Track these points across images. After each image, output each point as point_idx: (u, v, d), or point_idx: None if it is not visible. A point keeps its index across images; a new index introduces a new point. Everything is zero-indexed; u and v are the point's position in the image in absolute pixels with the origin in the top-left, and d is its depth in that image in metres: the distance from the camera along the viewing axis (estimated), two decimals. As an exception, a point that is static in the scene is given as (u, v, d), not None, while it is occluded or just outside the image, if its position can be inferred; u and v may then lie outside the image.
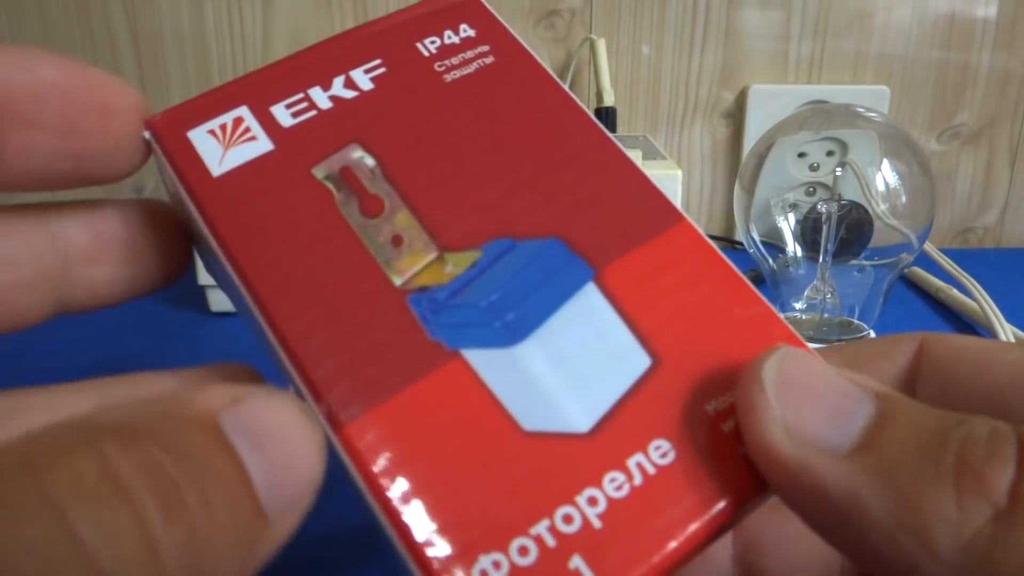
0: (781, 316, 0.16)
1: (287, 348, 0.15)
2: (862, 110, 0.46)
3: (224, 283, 0.17)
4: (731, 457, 0.14)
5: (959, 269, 0.50)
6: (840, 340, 0.40)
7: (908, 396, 0.14)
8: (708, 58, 0.60)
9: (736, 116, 0.62)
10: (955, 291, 0.50)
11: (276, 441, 0.12)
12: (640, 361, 0.15)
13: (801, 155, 0.49)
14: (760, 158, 0.46)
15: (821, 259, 0.45)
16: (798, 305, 0.46)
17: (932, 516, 0.12)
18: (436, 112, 0.18)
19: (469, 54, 0.18)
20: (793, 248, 0.46)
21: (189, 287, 0.49)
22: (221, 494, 0.11)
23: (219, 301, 0.49)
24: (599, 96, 0.58)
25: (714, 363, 0.15)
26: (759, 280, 0.50)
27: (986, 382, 0.16)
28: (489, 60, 0.18)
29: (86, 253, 0.17)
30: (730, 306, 0.16)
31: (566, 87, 0.18)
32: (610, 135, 0.18)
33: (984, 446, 0.12)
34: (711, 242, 0.17)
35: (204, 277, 0.47)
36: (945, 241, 0.65)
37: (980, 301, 0.46)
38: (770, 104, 0.60)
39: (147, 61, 0.58)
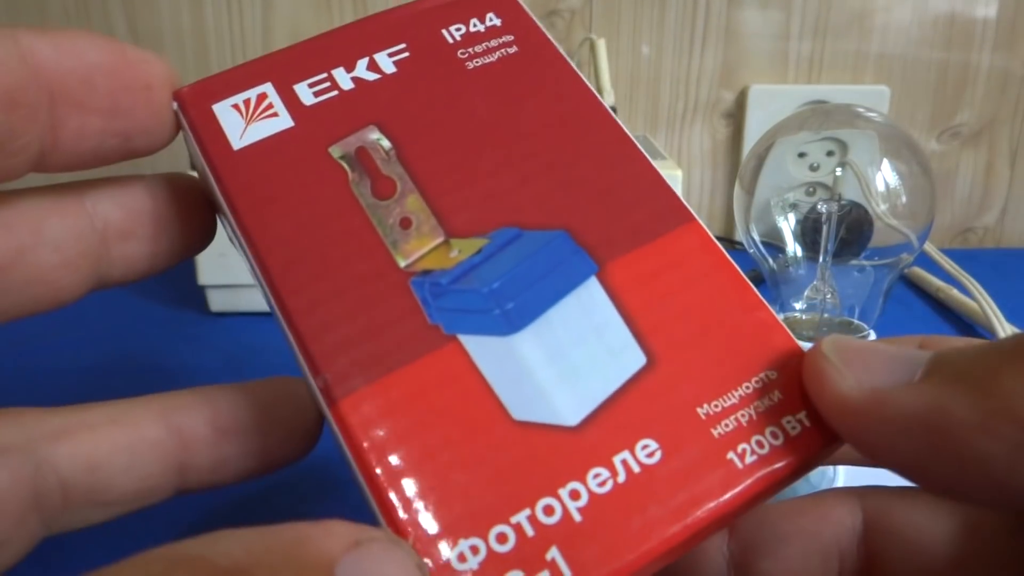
0: (783, 323, 0.16)
1: (289, 320, 0.15)
2: (862, 110, 0.46)
3: (241, 252, 0.17)
4: (718, 462, 0.14)
5: (959, 269, 0.50)
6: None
7: None
8: (708, 58, 0.60)
9: (736, 116, 0.62)
10: (955, 291, 0.50)
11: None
12: (635, 359, 0.15)
13: (801, 155, 0.49)
14: (760, 158, 0.46)
15: (821, 259, 0.45)
16: (798, 305, 0.46)
17: (1018, 396, 0.12)
18: (455, 98, 0.18)
19: (493, 43, 0.19)
20: (793, 248, 0.46)
21: (189, 287, 0.49)
22: None
23: (219, 301, 0.49)
24: (599, 96, 0.58)
25: (710, 366, 0.15)
26: (759, 280, 0.50)
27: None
28: (512, 50, 0.19)
29: (121, 230, 0.17)
30: (732, 310, 0.16)
31: (587, 80, 0.18)
32: (628, 131, 0.18)
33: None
34: (719, 244, 0.17)
35: (204, 277, 0.47)
36: (945, 241, 0.65)
37: (980, 301, 0.46)
38: (770, 104, 0.60)
39: (147, 61, 0.58)
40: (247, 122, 0.17)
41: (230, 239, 0.18)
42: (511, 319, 0.15)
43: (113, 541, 0.18)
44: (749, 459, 0.15)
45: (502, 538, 0.14)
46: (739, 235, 0.48)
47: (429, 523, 0.14)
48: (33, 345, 0.46)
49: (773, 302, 0.42)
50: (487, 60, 0.18)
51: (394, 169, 0.17)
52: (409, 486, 0.14)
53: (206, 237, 0.19)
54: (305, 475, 0.32)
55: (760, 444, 0.15)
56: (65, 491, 0.16)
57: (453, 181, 0.17)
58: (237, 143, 0.17)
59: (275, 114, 0.17)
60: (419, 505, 0.14)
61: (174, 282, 0.54)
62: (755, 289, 0.16)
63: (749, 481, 0.14)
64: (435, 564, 0.13)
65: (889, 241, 0.44)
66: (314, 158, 0.17)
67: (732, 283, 0.16)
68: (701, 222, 0.17)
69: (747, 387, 0.15)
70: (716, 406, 0.15)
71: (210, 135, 0.17)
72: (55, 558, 0.17)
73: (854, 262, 0.45)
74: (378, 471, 0.14)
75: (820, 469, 0.23)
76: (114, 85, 0.16)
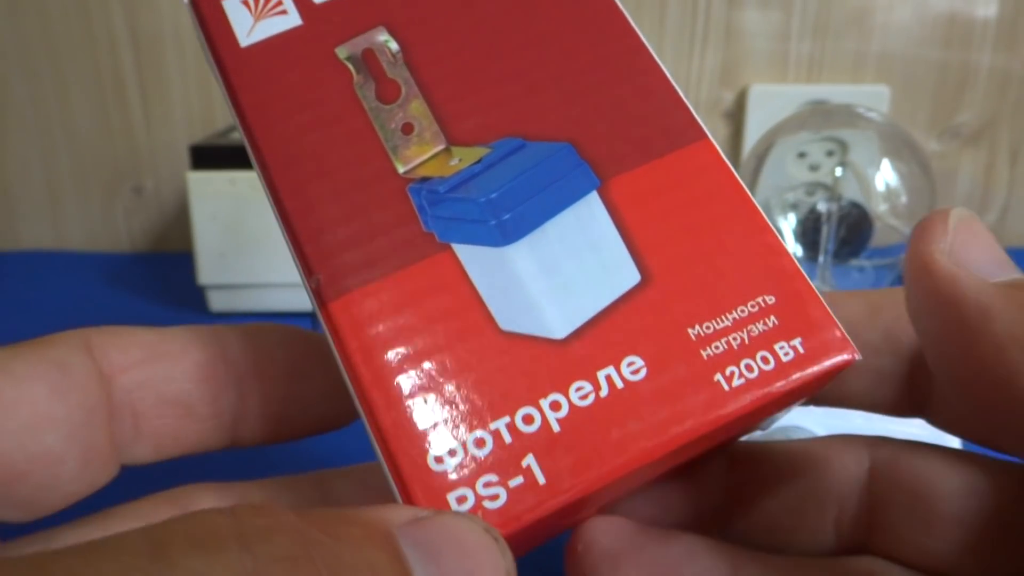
0: (788, 248, 0.16)
1: (286, 220, 0.15)
2: (862, 110, 0.46)
3: (248, 149, 0.17)
4: (704, 383, 0.14)
5: (959, 269, 0.50)
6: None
7: (912, 353, 0.16)
8: (708, 58, 0.60)
9: (736, 116, 0.61)
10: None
11: (454, 555, 0.11)
12: (629, 276, 0.15)
13: (801, 155, 0.49)
14: (760, 158, 0.46)
15: (821, 259, 0.45)
16: (798, 305, 0.45)
17: None
18: (467, 1, 0.17)
19: None
20: (793, 248, 0.46)
21: (189, 287, 0.49)
22: None
23: (219, 301, 0.49)
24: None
25: (707, 288, 0.15)
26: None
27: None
28: None
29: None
30: (736, 232, 0.16)
31: None
32: (644, 40, 0.18)
33: None
34: (729, 164, 0.16)
35: (204, 277, 0.47)
36: (945, 241, 0.65)
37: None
38: (770, 104, 0.60)
39: (147, 61, 0.58)
40: (256, 18, 0.17)
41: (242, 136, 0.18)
42: (506, 230, 0.15)
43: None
44: (736, 382, 0.14)
45: (480, 442, 0.14)
46: (739, 235, 0.48)
47: (410, 424, 0.14)
48: (33, 345, 0.46)
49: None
50: None
51: (400, 73, 0.17)
52: (393, 387, 0.14)
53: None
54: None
55: (749, 368, 0.14)
56: (136, 420, 0.16)
57: (459, 88, 0.17)
58: (245, 40, 0.17)
59: (284, 11, 0.17)
60: (401, 406, 0.14)
61: (174, 282, 0.54)
62: (762, 212, 0.16)
63: (733, 405, 0.14)
64: (412, 464, 0.14)
65: (889, 241, 0.44)
66: (320, 58, 0.17)
67: (739, 204, 0.16)
68: (712, 140, 0.16)
69: (742, 310, 0.15)
70: (708, 327, 0.15)
71: (219, 31, 0.17)
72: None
73: (854, 262, 0.45)
74: (363, 372, 0.14)
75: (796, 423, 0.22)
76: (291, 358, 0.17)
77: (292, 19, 0.17)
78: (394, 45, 0.17)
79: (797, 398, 0.15)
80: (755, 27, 0.59)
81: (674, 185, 0.16)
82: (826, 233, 0.44)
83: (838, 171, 0.45)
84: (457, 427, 0.14)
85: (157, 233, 0.62)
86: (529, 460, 0.14)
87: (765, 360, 0.15)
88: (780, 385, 0.14)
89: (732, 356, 0.15)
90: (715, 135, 0.63)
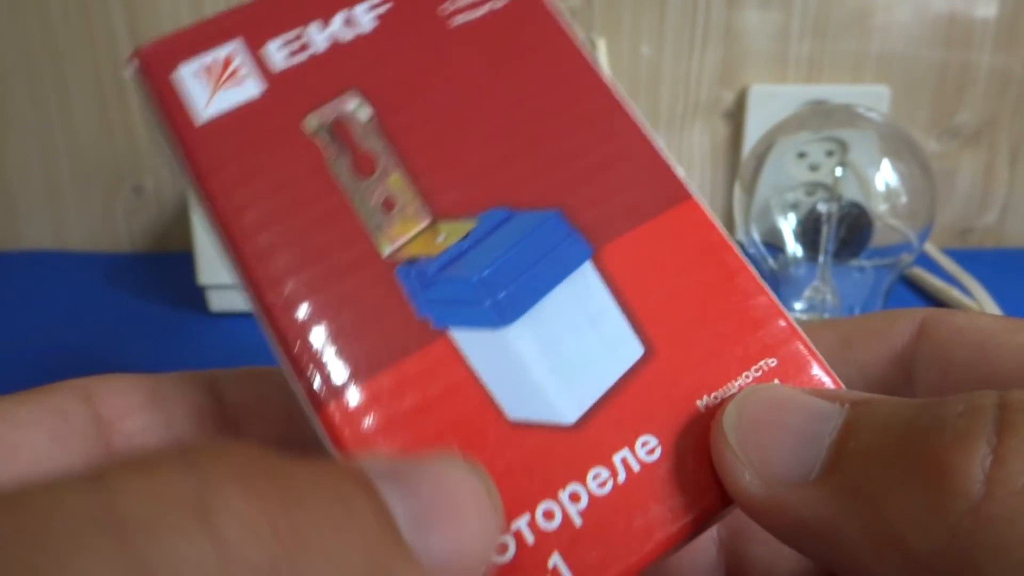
0: (782, 306, 0.16)
1: (270, 318, 0.14)
2: (862, 110, 0.46)
3: (213, 235, 0.16)
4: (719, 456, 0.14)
5: (959, 269, 0.50)
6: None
7: (889, 393, 0.13)
8: (708, 58, 0.60)
9: (736, 116, 0.61)
10: (955, 291, 0.50)
11: (432, 487, 0.11)
12: (633, 350, 0.15)
13: (801, 155, 0.49)
14: (760, 158, 0.46)
15: (821, 259, 0.45)
16: (798, 305, 0.46)
17: (905, 525, 0.11)
18: (438, 61, 0.16)
19: None
20: (793, 248, 0.46)
21: (189, 287, 0.49)
22: (344, 524, 0.10)
23: (219, 301, 0.49)
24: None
25: (710, 355, 0.15)
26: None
27: (988, 369, 0.15)
28: (499, 4, 0.17)
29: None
30: (731, 295, 0.15)
31: (579, 40, 0.17)
32: (623, 99, 0.17)
33: (951, 430, 0.11)
34: (718, 224, 0.16)
35: (204, 277, 0.47)
36: (945, 241, 0.65)
37: (980, 301, 0.46)
38: (770, 104, 0.60)
39: (147, 61, 0.58)
40: (213, 89, 0.16)
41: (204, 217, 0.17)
42: (503, 310, 0.15)
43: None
44: None
45: (502, 548, 0.13)
46: (739, 235, 0.48)
47: None
48: (33, 345, 0.46)
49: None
50: (472, 16, 0.17)
51: (374, 142, 0.16)
52: None
53: None
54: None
55: None
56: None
57: (438, 156, 0.16)
58: (203, 113, 0.15)
59: (244, 80, 0.16)
60: None
61: (174, 282, 0.54)
62: (755, 272, 0.16)
63: None
64: None
65: (889, 241, 0.44)
66: (288, 131, 0.15)
67: (732, 266, 0.16)
68: (699, 200, 0.16)
69: (747, 376, 0.15)
70: (716, 397, 0.14)
71: (174, 105, 0.16)
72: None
73: (854, 262, 0.45)
74: None
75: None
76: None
77: (253, 88, 0.16)
78: (365, 112, 0.16)
79: None
80: (755, 27, 0.59)
81: (666, 249, 0.15)
82: (826, 233, 0.44)
83: (838, 171, 0.45)
84: None
85: (157, 233, 0.62)
86: (555, 560, 0.13)
87: None
88: None
89: None
90: (715, 135, 0.63)
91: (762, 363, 0.15)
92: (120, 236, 0.62)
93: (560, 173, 0.16)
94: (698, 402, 0.14)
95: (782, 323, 0.15)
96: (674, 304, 0.15)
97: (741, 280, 0.15)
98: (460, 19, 0.17)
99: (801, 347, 0.15)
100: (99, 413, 0.16)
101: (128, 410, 0.16)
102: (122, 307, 0.51)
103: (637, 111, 0.17)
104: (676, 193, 0.16)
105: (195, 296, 0.50)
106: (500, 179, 0.16)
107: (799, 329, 0.15)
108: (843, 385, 0.15)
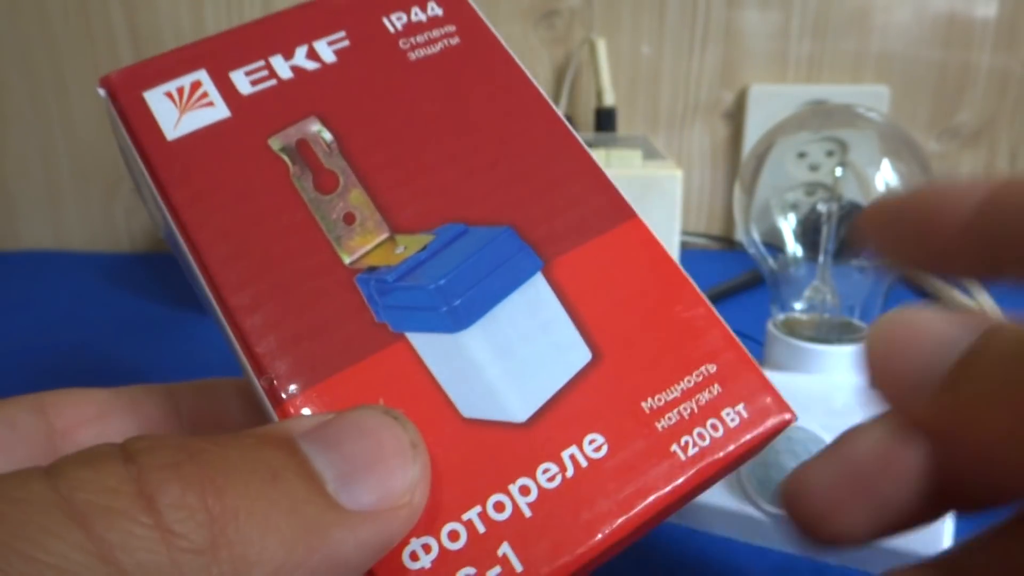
0: (721, 317, 0.17)
1: (231, 319, 0.15)
2: (862, 110, 0.46)
3: (175, 248, 0.17)
4: (663, 454, 0.15)
5: (959, 269, 0.50)
6: (840, 340, 0.40)
7: None
8: (708, 58, 0.60)
9: (736, 116, 0.61)
10: (955, 291, 0.50)
11: (353, 438, 0.12)
12: (581, 355, 0.16)
13: (801, 155, 0.49)
14: (760, 158, 0.46)
15: (821, 259, 0.45)
16: (798, 305, 0.46)
17: None
18: (398, 90, 0.18)
19: (435, 33, 0.18)
20: (793, 248, 0.46)
21: (189, 287, 0.49)
22: (271, 490, 0.11)
23: (219, 301, 0.49)
24: (599, 96, 0.58)
25: (654, 361, 0.16)
26: (758, 280, 0.50)
27: None
28: (455, 41, 0.18)
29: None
30: (673, 305, 0.16)
31: (530, 74, 0.19)
32: (569, 126, 0.18)
33: None
34: (660, 241, 0.17)
35: (204, 277, 0.47)
36: (945, 241, 0.65)
37: (980, 301, 0.46)
38: (770, 104, 0.60)
39: (147, 61, 0.58)
40: (181, 111, 0.17)
41: (164, 238, 0.17)
42: (458, 316, 0.16)
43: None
44: (692, 451, 0.15)
45: (454, 535, 0.14)
46: (739, 235, 0.48)
47: None
48: (33, 345, 0.46)
49: (773, 302, 0.42)
50: (430, 51, 0.18)
51: (336, 162, 0.17)
52: None
53: None
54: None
55: (701, 436, 0.15)
56: None
57: (397, 175, 0.17)
58: (171, 133, 0.16)
59: (211, 103, 0.17)
60: None
61: (174, 282, 0.54)
62: (694, 284, 0.17)
63: (691, 472, 0.15)
64: (386, 562, 0.13)
65: (889, 241, 0.44)
66: (253, 150, 0.16)
67: (674, 279, 0.17)
68: (641, 218, 0.17)
69: (689, 381, 0.16)
70: (659, 399, 0.15)
71: (143, 125, 0.16)
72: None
73: (854, 262, 0.45)
74: None
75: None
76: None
77: (220, 111, 0.17)
78: (328, 135, 0.17)
79: (743, 461, 0.16)
80: (755, 27, 0.59)
81: (612, 263, 0.17)
82: (826, 233, 0.44)
83: (838, 171, 0.45)
84: (429, 521, 0.14)
85: (157, 233, 0.62)
86: (505, 548, 0.14)
87: (715, 427, 0.15)
88: (731, 449, 0.15)
89: (684, 426, 0.15)
90: (715, 135, 0.63)
91: (703, 368, 0.16)
92: (120, 236, 0.62)
93: (512, 193, 0.17)
94: (643, 403, 0.15)
95: (720, 333, 0.16)
96: (620, 313, 0.16)
97: (683, 292, 0.17)
98: (418, 53, 0.18)
99: (737, 355, 0.16)
100: (52, 424, 0.16)
101: (82, 421, 0.17)
102: (121, 307, 0.51)
103: (580, 138, 0.18)
104: (622, 212, 0.17)
105: (195, 296, 0.50)
106: (456, 197, 0.17)
107: (736, 338, 0.16)
108: (780, 396, 0.16)
